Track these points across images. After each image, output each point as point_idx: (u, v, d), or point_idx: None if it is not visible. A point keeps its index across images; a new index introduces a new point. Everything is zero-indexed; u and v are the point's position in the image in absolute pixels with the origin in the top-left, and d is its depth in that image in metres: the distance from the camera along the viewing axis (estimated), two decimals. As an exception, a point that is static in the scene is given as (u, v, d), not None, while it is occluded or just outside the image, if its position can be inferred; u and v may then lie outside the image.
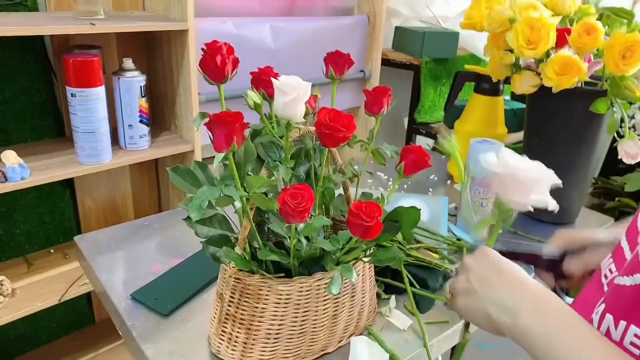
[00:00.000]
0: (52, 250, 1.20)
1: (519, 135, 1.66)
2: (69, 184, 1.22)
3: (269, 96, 0.62)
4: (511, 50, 0.99)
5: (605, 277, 0.48)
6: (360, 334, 0.70)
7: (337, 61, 0.71)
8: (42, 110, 1.14)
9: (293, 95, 0.52)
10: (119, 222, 1.00)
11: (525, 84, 0.96)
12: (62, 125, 1.17)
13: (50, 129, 1.16)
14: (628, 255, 0.45)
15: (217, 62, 0.53)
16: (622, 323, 0.40)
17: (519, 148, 1.53)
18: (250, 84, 0.64)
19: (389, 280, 0.81)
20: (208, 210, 0.59)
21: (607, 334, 0.42)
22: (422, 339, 0.71)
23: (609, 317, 0.42)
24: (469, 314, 0.49)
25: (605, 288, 0.46)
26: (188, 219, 0.58)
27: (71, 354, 1.23)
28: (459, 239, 0.94)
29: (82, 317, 1.33)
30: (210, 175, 0.60)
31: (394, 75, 1.71)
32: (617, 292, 0.42)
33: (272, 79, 0.54)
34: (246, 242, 0.58)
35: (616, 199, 1.27)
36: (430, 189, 1.23)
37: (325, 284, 0.59)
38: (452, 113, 1.52)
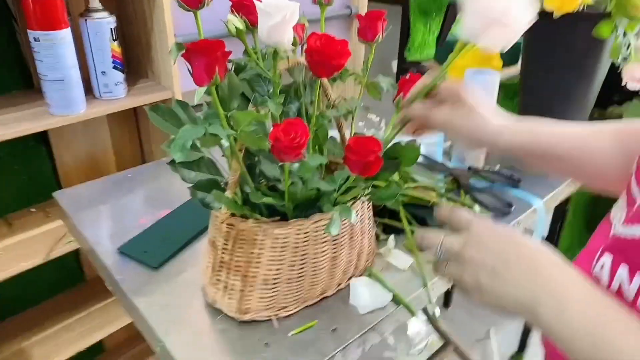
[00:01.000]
0: (32, 209, 1.15)
1: (513, 70, 1.61)
2: (43, 138, 1.15)
3: (251, 24, 0.56)
4: (509, -27, 0.92)
5: (613, 226, 0.44)
6: (360, 276, 0.68)
7: None
8: (5, 60, 1.05)
9: (279, 18, 0.46)
10: (100, 176, 0.95)
11: (524, 9, 0.90)
12: (29, 75, 1.09)
13: (16, 80, 1.08)
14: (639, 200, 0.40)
15: (191, -17, 0.47)
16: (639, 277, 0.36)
17: (514, 83, 1.48)
18: (231, 11, 0.57)
19: (387, 220, 0.78)
20: (193, 152, 0.54)
21: (619, 293, 0.38)
22: (422, 278, 0.69)
23: (622, 272, 0.38)
24: (488, 306, 0.43)
25: (613, 232, 0.42)
26: (172, 162, 0.54)
27: (64, 313, 1.21)
28: (455, 178, 0.91)
29: (72, 275, 1.30)
30: (192, 115, 0.54)
31: (381, 12, 1.62)
32: (631, 242, 0.38)
33: (255, 1, 0.48)
34: (237, 186, 0.53)
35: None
36: (424, 128, 1.19)
37: (323, 226, 0.56)
38: (444, 49, 1.45)
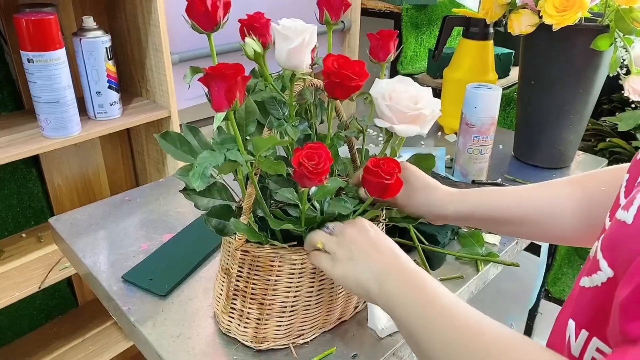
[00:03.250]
0: (24, 235, 1.11)
1: (504, 82, 1.63)
2: (34, 161, 1.11)
3: (263, 46, 0.55)
4: (506, -12, 0.93)
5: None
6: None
7: (332, 3, 0.63)
8: (-5, 82, 1.02)
9: (299, 41, 0.45)
10: (94, 199, 0.92)
11: (523, 24, 0.91)
12: (18, 96, 1.06)
13: (6, 101, 1.04)
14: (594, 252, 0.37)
15: (207, 5, 0.45)
16: (584, 333, 0.34)
17: (506, 94, 1.49)
18: (240, 33, 0.56)
19: (397, 239, 0.77)
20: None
21: (568, 346, 0.36)
22: (439, 298, 0.68)
23: (571, 324, 0.36)
24: (345, 280, 0.48)
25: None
26: (186, 190, 0.52)
27: (57, 340, 1.17)
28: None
29: (65, 301, 1.25)
30: (203, 140, 0.53)
31: (373, 25, 1.63)
32: (581, 294, 0.36)
33: (273, 24, 0.47)
34: (252, 210, 0.52)
35: (607, 139, 1.26)
36: (422, 142, 1.19)
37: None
38: (436, 62, 1.46)
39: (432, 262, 0.75)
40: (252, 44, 0.46)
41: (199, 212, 0.86)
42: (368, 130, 1.21)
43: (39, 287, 0.95)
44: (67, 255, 0.83)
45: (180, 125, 0.71)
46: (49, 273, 0.98)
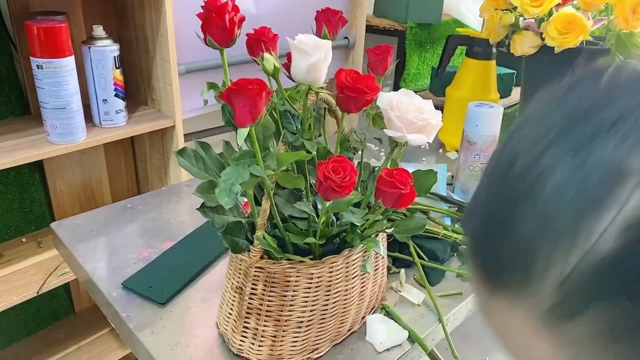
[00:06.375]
0: (24, 239, 1.11)
1: (506, 102, 1.64)
2: (37, 166, 1.12)
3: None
4: (510, 10, 0.95)
5: None
6: (374, 311, 0.67)
7: (330, 19, 0.63)
8: (3, 86, 1.03)
9: (317, 56, 0.46)
10: (95, 206, 0.93)
11: (526, 45, 0.92)
12: (25, 101, 1.07)
13: (14, 106, 1.05)
14: None
15: (226, 21, 0.46)
16: None
17: (508, 114, 1.50)
18: (247, 48, 0.57)
19: (397, 254, 0.77)
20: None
21: None
22: (437, 313, 0.68)
23: None
24: None
25: None
26: (203, 207, 0.52)
27: (53, 346, 1.16)
28: (459, 209, 0.91)
29: (61, 307, 1.25)
30: (213, 156, 0.53)
31: (377, 43, 1.65)
32: None
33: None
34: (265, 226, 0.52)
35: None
36: (423, 159, 1.20)
37: (353, 261, 0.55)
38: (438, 80, 1.47)
39: (431, 278, 0.75)
40: (272, 60, 0.47)
41: (200, 222, 0.87)
42: (369, 145, 1.23)
43: (37, 292, 0.95)
44: (67, 261, 0.83)
45: (194, 141, 0.71)
46: (48, 278, 0.98)
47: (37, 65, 0.86)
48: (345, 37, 1.49)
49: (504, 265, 0.25)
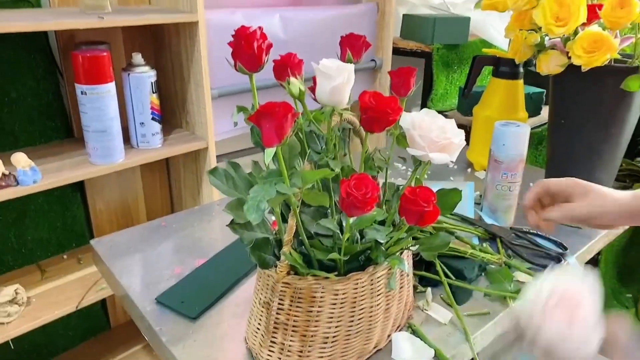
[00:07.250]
0: (65, 256, 1.16)
1: (535, 120, 1.63)
2: (79, 186, 1.18)
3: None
4: (535, 30, 0.96)
5: None
6: (400, 329, 0.67)
7: (353, 44, 0.66)
8: (50, 111, 1.10)
9: (341, 80, 0.48)
10: (131, 224, 0.97)
11: (552, 64, 0.92)
12: (69, 125, 1.13)
13: (59, 130, 1.12)
14: None
15: (254, 48, 0.49)
16: None
17: (537, 133, 1.49)
18: (274, 73, 0.60)
19: (423, 273, 0.78)
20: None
21: None
22: (464, 333, 0.68)
23: None
24: None
25: None
26: (233, 224, 0.54)
27: (89, 361, 1.20)
28: (486, 230, 0.90)
29: (98, 323, 1.30)
30: (242, 175, 0.55)
31: (404, 64, 1.67)
32: None
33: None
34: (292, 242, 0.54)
35: (642, 180, 1.24)
36: (451, 177, 1.20)
37: (378, 277, 0.56)
38: (466, 100, 1.48)
39: (458, 297, 0.75)
40: (297, 84, 0.50)
41: (231, 239, 0.90)
42: (396, 164, 1.24)
43: (77, 307, 1.00)
44: (105, 277, 0.87)
45: (226, 161, 0.74)
46: (86, 294, 1.02)
47: (82, 92, 0.92)
48: (372, 60, 1.52)
49: None
